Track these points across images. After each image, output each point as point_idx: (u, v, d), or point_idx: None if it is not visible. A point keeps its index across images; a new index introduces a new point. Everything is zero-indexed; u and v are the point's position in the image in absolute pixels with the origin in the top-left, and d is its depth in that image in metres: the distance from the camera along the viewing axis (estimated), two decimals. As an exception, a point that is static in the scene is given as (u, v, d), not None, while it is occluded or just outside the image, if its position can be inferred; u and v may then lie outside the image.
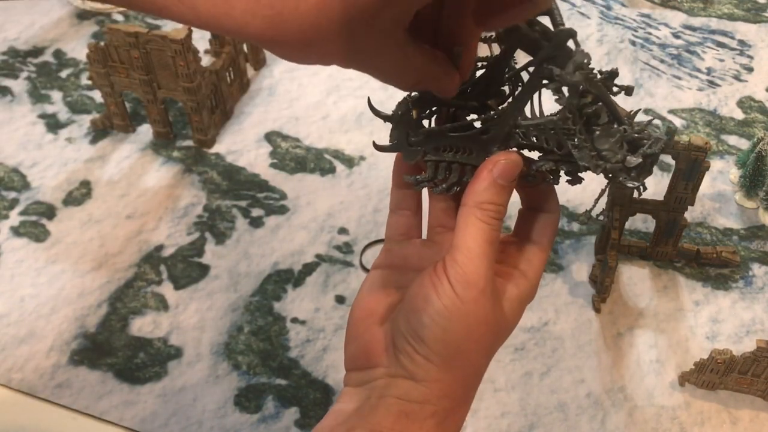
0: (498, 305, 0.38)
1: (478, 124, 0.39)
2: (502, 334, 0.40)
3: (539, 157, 0.38)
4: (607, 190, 0.36)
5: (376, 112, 0.39)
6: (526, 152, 0.38)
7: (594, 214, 0.37)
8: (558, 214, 0.42)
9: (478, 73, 0.39)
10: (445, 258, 0.37)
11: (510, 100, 0.38)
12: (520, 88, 0.37)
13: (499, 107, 0.37)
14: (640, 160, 0.35)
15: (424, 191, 0.43)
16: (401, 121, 0.38)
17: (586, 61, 0.32)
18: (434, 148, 0.38)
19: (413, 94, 0.39)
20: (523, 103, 0.36)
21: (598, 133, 0.35)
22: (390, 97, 0.89)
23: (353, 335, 0.42)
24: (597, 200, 0.37)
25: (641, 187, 0.36)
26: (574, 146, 0.35)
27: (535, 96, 0.37)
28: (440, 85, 0.36)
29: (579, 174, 0.38)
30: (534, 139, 0.37)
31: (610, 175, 0.35)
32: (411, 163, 0.39)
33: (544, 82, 0.35)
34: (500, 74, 0.38)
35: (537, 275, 0.41)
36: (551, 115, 0.35)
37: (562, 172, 0.38)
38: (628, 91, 0.34)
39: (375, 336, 0.40)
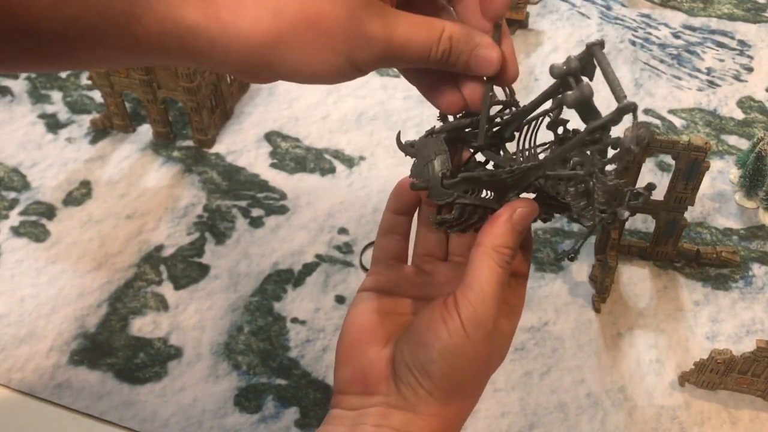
0: (497, 341, 0.39)
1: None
2: (496, 364, 0.41)
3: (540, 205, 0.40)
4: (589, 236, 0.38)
5: (405, 150, 0.40)
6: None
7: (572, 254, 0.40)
8: (532, 248, 0.43)
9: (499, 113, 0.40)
10: (457, 295, 0.38)
11: (547, 152, 0.39)
12: (560, 143, 0.38)
13: (536, 158, 0.38)
14: (629, 212, 0.37)
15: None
16: (429, 158, 0.38)
17: (646, 138, 0.33)
18: (464, 191, 0.39)
19: (437, 126, 0.39)
20: (562, 159, 0.37)
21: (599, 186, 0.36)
22: (390, 97, 0.89)
23: (347, 358, 0.41)
24: (581, 244, 0.39)
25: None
26: (581, 198, 0.37)
27: (531, 136, 0.39)
28: (483, 54, 0.37)
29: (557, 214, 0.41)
30: (550, 188, 0.38)
31: (602, 224, 0.37)
32: (437, 203, 0.39)
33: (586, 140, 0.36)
34: (521, 118, 0.39)
35: (522, 307, 0.42)
36: (575, 168, 0.36)
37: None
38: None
39: (373, 363, 0.40)
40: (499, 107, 0.40)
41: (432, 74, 0.38)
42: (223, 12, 0.32)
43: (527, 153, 0.39)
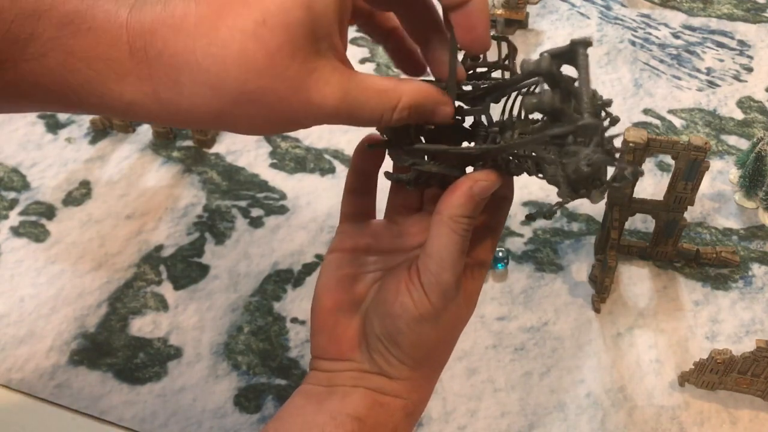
0: (462, 306, 0.41)
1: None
2: (462, 326, 0.43)
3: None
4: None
5: None
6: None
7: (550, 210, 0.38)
8: (512, 197, 0.43)
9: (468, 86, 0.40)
10: (419, 264, 0.39)
11: (515, 138, 0.38)
12: (529, 134, 0.37)
13: (502, 141, 0.38)
14: (601, 198, 0.34)
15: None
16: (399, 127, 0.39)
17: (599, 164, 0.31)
18: (421, 157, 0.39)
19: None
20: (528, 149, 0.35)
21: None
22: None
23: (321, 326, 0.42)
24: (557, 207, 0.36)
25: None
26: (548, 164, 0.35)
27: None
28: (437, 110, 0.38)
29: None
30: (515, 168, 0.38)
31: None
32: (396, 164, 0.40)
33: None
34: (502, 89, 0.39)
35: (490, 260, 0.43)
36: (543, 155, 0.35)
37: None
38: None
39: (345, 331, 0.42)
40: (485, 69, 0.40)
41: (400, 43, 0.40)
42: (161, 90, 0.31)
43: (509, 121, 0.38)
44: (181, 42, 0.31)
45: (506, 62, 0.40)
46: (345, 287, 0.43)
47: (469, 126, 0.41)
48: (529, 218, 0.37)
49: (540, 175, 0.36)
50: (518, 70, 0.36)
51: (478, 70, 0.40)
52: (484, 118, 0.40)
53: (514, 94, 0.38)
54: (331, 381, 0.41)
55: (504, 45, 0.41)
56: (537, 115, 0.36)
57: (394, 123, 0.36)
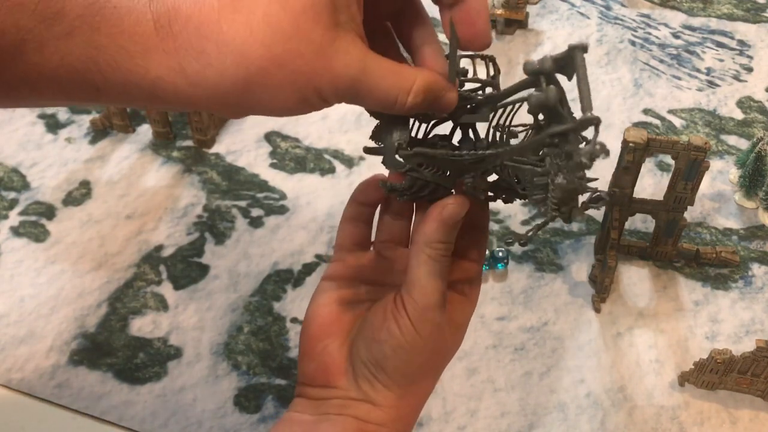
0: (449, 333, 0.41)
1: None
2: (449, 355, 0.43)
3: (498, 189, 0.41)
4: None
5: (373, 114, 0.40)
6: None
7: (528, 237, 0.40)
8: (488, 229, 0.45)
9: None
10: (402, 292, 0.40)
11: (509, 144, 0.39)
12: (538, 131, 0.37)
13: (497, 148, 0.38)
14: (582, 216, 0.37)
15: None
16: (392, 125, 0.39)
17: (602, 155, 0.32)
18: (418, 164, 0.39)
19: None
20: (521, 154, 0.37)
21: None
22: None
23: (310, 353, 0.43)
24: (535, 232, 0.38)
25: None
26: (539, 190, 0.36)
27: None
28: (444, 96, 0.38)
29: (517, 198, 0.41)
30: (507, 175, 0.39)
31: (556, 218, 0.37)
32: (391, 171, 0.40)
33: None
34: (494, 101, 0.40)
35: (478, 295, 0.44)
36: (535, 163, 0.36)
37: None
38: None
39: (334, 358, 0.42)
40: (477, 85, 0.40)
41: (391, 52, 0.40)
42: (186, 63, 0.31)
43: (498, 136, 0.40)
44: (205, 13, 0.31)
45: (493, 79, 0.41)
46: (335, 315, 0.43)
47: (456, 142, 0.42)
48: (508, 243, 0.39)
49: (523, 192, 0.38)
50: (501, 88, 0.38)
51: (467, 86, 0.41)
52: (471, 134, 0.41)
53: (509, 108, 0.39)
54: (317, 409, 0.41)
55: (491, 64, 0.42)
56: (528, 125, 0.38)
57: (407, 110, 0.36)
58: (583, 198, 0.36)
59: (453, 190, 0.41)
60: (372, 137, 0.41)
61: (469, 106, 0.40)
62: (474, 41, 0.37)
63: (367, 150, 0.41)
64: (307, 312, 0.44)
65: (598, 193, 0.36)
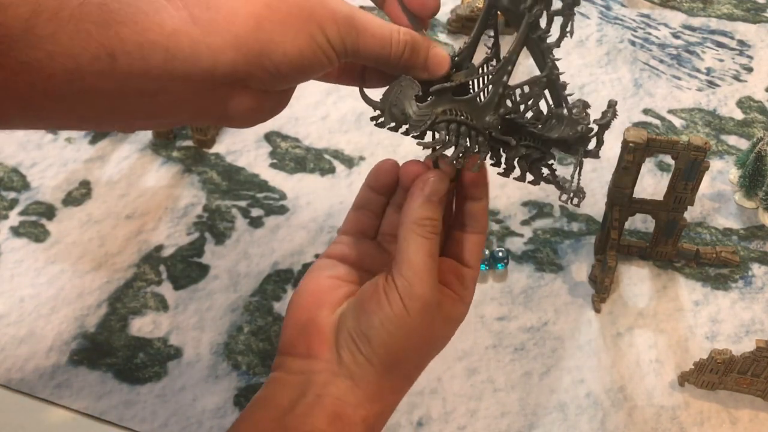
0: (439, 322, 0.41)
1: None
2: (437, 347, 0.43)
3: (515, 145, 0.42)
4: (580, 164, 0.42)
5: (370, 102, 0.41)
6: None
7: (572, 191, 0.43)
8: (486, 233, 0.45)
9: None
10: (393, 271, 0.40)
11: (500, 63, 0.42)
12: (505, 53, 0.42)
13: (490, 68, 0.42)
14: (597, 127, 0.42)
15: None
16: (400, 95, 0.40)
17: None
18: (441, 112, 0.40)
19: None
20: (512, 63, 0.40)
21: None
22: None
23: (296, 320, 0.43)
24: (577, 172, 0.42)
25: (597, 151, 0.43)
26: (551, 114, 0.41)
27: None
28: (432, 52, 0.40)
29: (544, 164, 0.43)
30: (521, 106, 0.42)
31: (576, 142, 0.41)
32: (420, 131, 0.40)
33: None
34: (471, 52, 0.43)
35: (471, 297, 0.44)
36: (549, 120, 0.40)
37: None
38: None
39: (320, 327, 0.42)
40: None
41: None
42: (197, 11, 0.33)
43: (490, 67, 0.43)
44: None
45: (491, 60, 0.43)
46: (327, 288, 0.43)
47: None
48: (564, 200, 0.42)
49: (544, 134, 0.41)
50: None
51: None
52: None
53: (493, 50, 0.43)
54: (298, 390, 0.40)
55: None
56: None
57: (394, 58, 0.38)
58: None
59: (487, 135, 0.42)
60: (384, 122, 0.40)
61: (454, 70, 0.42)
62: (423, 8, 0.40)
63: (379, 124, 0.41)
64: (299, 284, 0.44)
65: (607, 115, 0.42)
